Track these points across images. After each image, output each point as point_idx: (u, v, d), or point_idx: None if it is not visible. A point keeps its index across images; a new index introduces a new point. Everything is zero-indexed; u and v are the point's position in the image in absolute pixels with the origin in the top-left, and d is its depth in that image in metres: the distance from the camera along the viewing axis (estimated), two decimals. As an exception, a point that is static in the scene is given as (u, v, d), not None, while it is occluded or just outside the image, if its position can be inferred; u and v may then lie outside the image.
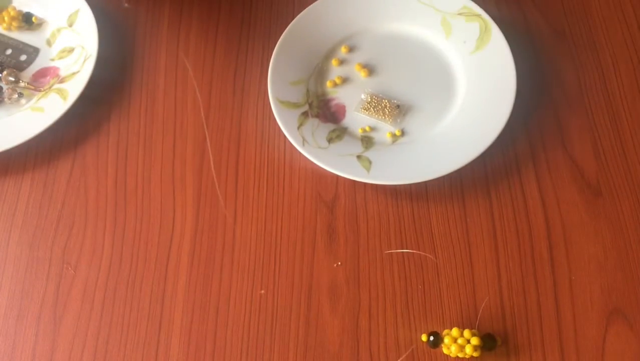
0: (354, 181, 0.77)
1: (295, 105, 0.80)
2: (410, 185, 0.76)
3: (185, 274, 0.73)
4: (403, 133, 0.79)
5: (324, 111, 0.81)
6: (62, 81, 0.84)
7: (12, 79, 0.84)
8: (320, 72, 0.84)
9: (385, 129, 0.80)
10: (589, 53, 0.84)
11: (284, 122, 0.77)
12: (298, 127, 0.78)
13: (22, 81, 0.84)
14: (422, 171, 0.74)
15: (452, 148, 0.76)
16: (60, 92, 0.83)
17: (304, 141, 0.77)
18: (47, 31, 0.90)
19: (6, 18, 0.88)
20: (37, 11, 0.90)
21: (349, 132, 0.79)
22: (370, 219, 0.75)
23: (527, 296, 0.71)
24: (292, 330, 0.70)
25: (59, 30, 0.89)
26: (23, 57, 0.87)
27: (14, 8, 0.89)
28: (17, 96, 0.83)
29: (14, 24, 0.89)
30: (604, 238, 0.73)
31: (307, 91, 0.82)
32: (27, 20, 0.89)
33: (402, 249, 0.73)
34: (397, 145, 0.78)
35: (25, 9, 0.90)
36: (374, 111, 0.80)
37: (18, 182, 0.79)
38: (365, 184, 0.77)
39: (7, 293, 0.73)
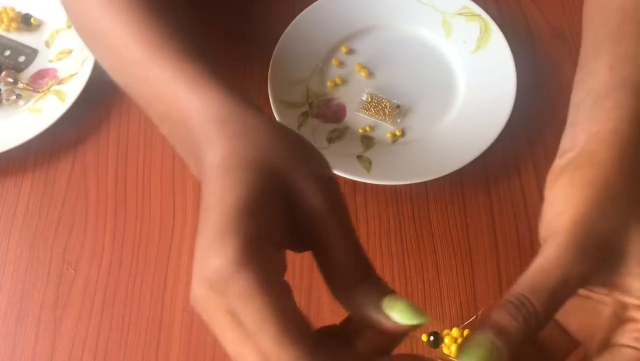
0: (354, 181, 0.76)
1: (295, 105, 0.80)
2: (410, 185, 0.76)
3: (185, 275, 0.73)
4: (403, 133, 0.79)
5: (324, 111, 0.81)
6: (60, 82, 0.84)
7: (10, 80, 0.84)
8: (320, 72, 0.83)
9: (386, 129, 0.79)
10: (589, 53, 0.84)
11: (284, 122, 0.77)
12: (298, 127, 0.78)
13: (21, 82, 0.84)
14: (423, 170, 0.74)
15: (452, 148, 0.76)
16: (58, 94, 0.83)
17: (304, 141, 0.77)
18: (46, 32, 0.89)
19: (5, 19, 0.88)
20: (35, 12, 0.90)
21: (349, 132, 0.79)
22: (370, 219, 0.75)
23: (528, 295, 0.71)
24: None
25: (57, 31, 0.89)
26: (21, 59, 0.87)
27: (13, 9, 0.89)
28: (15, 97, 0.83)
29: (13, 25, 0.88)
30: (604, 237, 0.73)
31: (307, 91, 0.82)
32: (25, 22, 0.89)
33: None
34: (397, 145, 0.78)
35: (24, 10, 0.90)
36: (374, 111, 0.80)
37: (18, 183, 0.79)
38: (365, 184, 0.76)
39: (7, 293, 0.73)
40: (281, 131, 0.48)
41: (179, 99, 0.52)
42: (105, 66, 0.64)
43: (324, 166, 0.48)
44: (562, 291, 0.44)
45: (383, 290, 0.44)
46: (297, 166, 0.46)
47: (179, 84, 0.52)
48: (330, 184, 0.46)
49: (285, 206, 0.45)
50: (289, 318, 0.40)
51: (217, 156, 0.45)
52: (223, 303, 0.41)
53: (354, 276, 0.45)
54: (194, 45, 0.56)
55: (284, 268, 0.46)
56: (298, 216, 0.45)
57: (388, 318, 0.43)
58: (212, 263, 0.40)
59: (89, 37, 0.65)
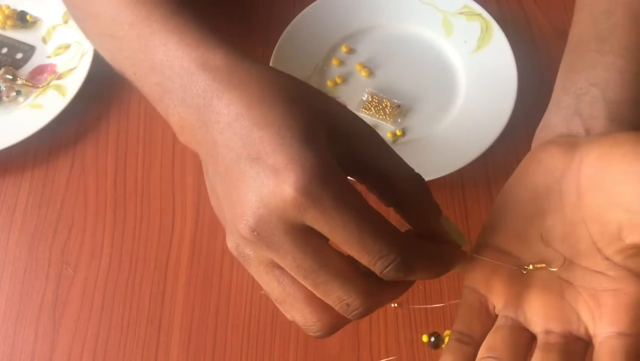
0: (354, 181, 0.76)
1: (296, 104, 0.80)
2: (411, 185, 0.76)
3: (185, 274, 0.73)
4: (404, 133, 0.79)
5: (325, 111, 0.81)
6: (59, 77, 0.84)
7: (9, 77, 0.83)
8: (320, 72, 0.83)
9: (386, 128, 0.79)
10: (591, 53, 0.84)
11: (285, 121, 0.77)
12: (298, 127, 0.78)
13: (20, 79, 0.84)
14: (423, 171, 0.73)
15: (453, 148, 0.76)
16: (58, 88, 0.83)
17: (304, 141, 0.76)
18: (43, 29, 0.89)
19: (0, 17, 0.88)
20: (31, 9, 0.90)
21: (349, 132, 0.79)
22: (371, 219, 0.75)
23: (528, 296, 0.71)
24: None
25: (54, 27, 0.89)
26: (19, 56, 0.87)
27: (8, 7, 0.89)
28: (15, 94, 0.83)
29: (9, 22, 0.88)
30: (605, 238, 0.73)
31: (308, 90, 0.82)
32: (21, 19, 0.89)
33: None
34: (397, 145, 0.78)
35: (19, 8, 0.90)
36: (375, 111, 0.80)
37: (17, 182, 0.79)
38: (365, 184, 0.76)
39: (6, 293, 0.73)
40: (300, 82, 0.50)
41: (184, 47, 0.51)
42: (96, 41, 0.64)
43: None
44: None
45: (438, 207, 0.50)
46: (329, 100, 0.48)
47: (186, 35, 0.52)
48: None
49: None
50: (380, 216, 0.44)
51: (257, 88, 0.46)
52: (306, 216, 0.42)
53: (413, 192, 0.49)
54: (195, 11, 0.57)
55: None
56: (348, 146, 0.47)
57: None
58: (309, 165, 0.42)
59: (84, 20, 0.66)
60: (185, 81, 0.49)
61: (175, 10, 0.54)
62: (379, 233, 0.43)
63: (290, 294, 0.46)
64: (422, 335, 0.69)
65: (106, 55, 0.61)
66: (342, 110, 0.49)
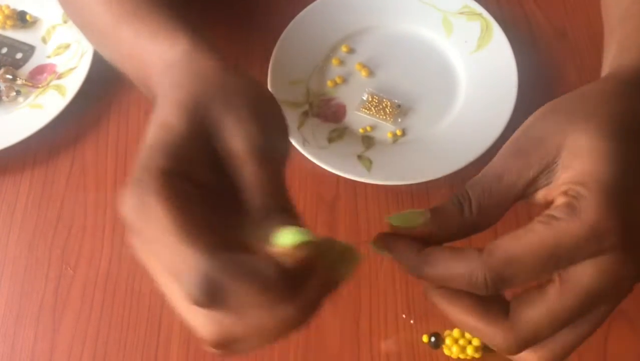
0: (355, 181, 0.76)
1: (296, 105, 0.80)
2: (411, 185, 0.76)
3: (185, 274, 0.73)
4: (404, 133, 0.79)
5: (325, 111, 0.81)
6: (59, 77, 0.84)
7: (9, 77, 0.83)
8: (320, 72, 0.83)
9: (386, 128, 0.79)
10: (591, 52, 0.84)
11: (284, 121, 0.77)
12: (298, 127, 0.78)
13: (20, 79, 0.84)
14: (423, 171, 0.74)
15: (453, 148, 0.76)
16: (58, 88, 0.83)
17: (304, 141, 0.76)
18: (42, 29, 0.89)
19: (0, 17, 0.88)
20: (31, 9, 0.90)
21: (349, 132, 0.79)
22: (371, 219, 0.75)
23: (528, 296, 0.70)
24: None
25: (54, 27, 0.89)
26: (19, 55, 0.87)
27: (8, 7, 0.89)
28: (14, 93, 0.83)
29: (9, 22, 0.88)
30: (605, 238, 0.73)
31: (308, 90, 0.82)
32: (21, 19, 0.89)
33: None
34: (398, 145, 0.78)
35: (19, 8, 0.90)
36: (375, 111, 0.80)
37: (17, 181, 0.79)
38: (366, 184, 0.76)
39: (6, 293, 0.73)
40: (223, 75, 0.49)
41: (142, 55, 0.54)
42: (90, 40, 0.67)
43: (264, 111, 0.48)
44: (495, 184, 0.47)
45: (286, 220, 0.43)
46: (226, 110, 0.46)
47: (141, 39, 0.55)
48: (258, 131, 0.46)
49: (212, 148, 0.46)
50: (188, 228, 0.40)
51: (155, 105, 0.48)
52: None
53: (261, 213, 0.44)
54: (162, 2, 0.58)
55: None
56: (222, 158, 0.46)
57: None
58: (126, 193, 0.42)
59: (72, 12, 0.67)
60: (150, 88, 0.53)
61: (147, 6, 0.57)
62: (176, 242, 0.40)
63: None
64: (422, 335, 0.69)
65: (107, 59, 0.63)
66: (233, 129, 0.46)
